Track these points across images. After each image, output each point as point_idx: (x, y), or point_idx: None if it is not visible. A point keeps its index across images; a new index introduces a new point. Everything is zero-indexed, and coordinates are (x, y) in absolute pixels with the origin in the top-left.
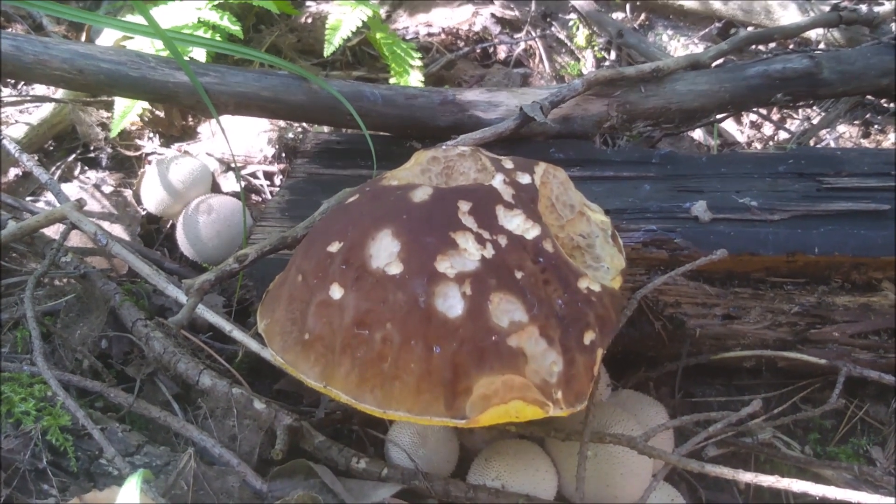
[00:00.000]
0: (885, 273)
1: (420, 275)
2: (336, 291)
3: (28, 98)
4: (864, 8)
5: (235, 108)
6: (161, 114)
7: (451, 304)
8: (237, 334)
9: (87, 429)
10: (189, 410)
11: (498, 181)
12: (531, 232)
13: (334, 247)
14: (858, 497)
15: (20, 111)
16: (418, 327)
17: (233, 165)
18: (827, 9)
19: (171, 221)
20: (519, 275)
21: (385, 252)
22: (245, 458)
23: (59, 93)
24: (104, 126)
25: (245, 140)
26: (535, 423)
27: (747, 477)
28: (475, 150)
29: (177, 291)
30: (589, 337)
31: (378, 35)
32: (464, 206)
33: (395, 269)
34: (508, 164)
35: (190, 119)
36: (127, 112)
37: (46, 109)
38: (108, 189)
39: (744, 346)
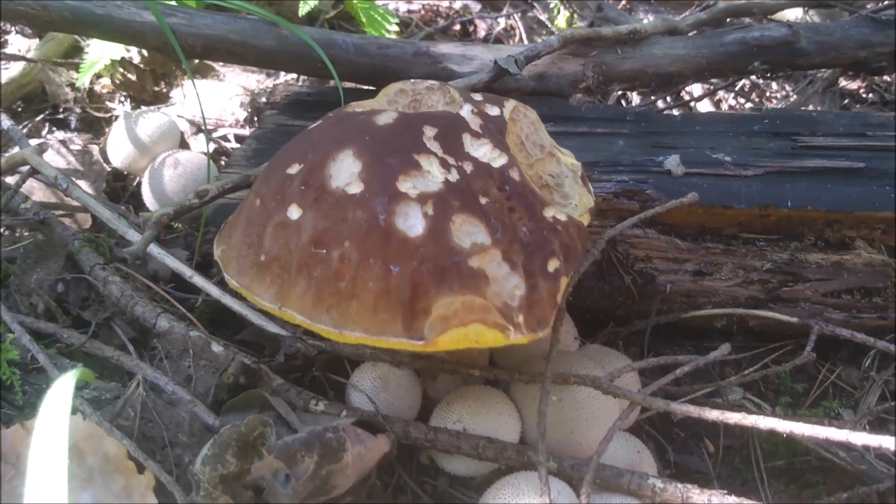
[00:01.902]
0: (858, 231)
1: (381, 194)
2: (294, 212)
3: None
4: None
5: (203, 52)
6: (133, 77)
7: (412, 223)
8: (198, 280)
9: (36, 363)
10: (145, 354)
11: (466, 111)
12: (498, 161)
13: (294, 169)
14: (826, 432)
15: None
16: (377, 245)
17: (203, 127)
18: None
19: (137, 179)
20: (483, 200)
21: (346, 172)
22: (200, 399)
23: (31, 53)
24: (74, 87)
25: (217, 103)
26: (499, 359)
27: (713, 415)
28: (444, 85)
29: (138, 237)
30: (553, 264)
31: (356, 1)
32: (429, 131)
33: (356, 188)
34: (478, 97)
35: (162, 85)
36: (94, 64)
37: (16, 69)
38: (75, 147)
39: (715, 304)
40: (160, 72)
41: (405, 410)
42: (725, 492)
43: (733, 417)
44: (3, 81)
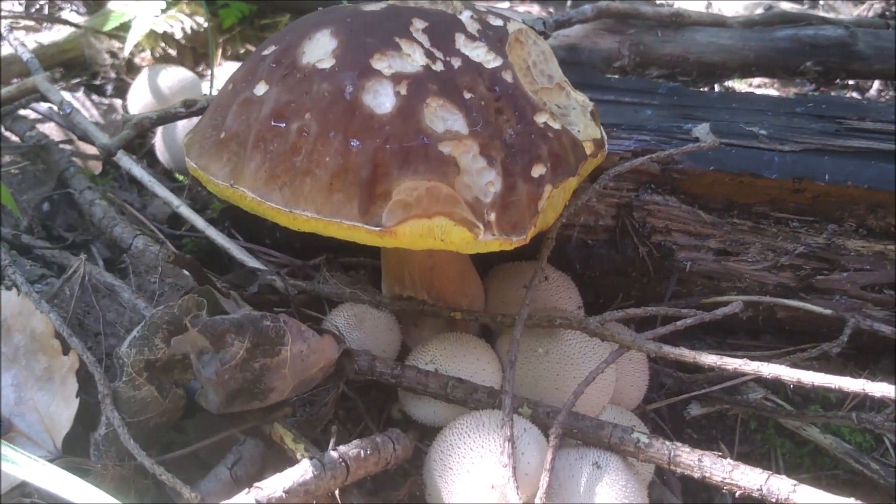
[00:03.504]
0: None
1: (352, 68)
2: (260, 88)
3: (44, 16)
4: None
5: None
6: (174, 52)
7: (381, 101)
8: (184, 210)
9: None
10: (115, 271)
11: (465, 16)
12: (492, 63)
13: (268, 50)
14: (839, 381)
15: (34, 30)
16: (340, 119)
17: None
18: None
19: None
20: (468, 95)
21: (320, 50)
22: None
23: (78, 20)
24: (114, 55)
25: None
26: (477, 304)
27: (710, 359)
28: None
29: (130, 163)
30: (538, 170)
31: None
32: (418, 23)
33: (327, 63)
34: (482, 8)
35: (203, 66)
36: (139, 32)
37: (61, 34)
38: (101, 103)
39: (740, 290)
40: (201, 51)
41: (379, 353)
42: (719, 453)
43: (732, 363)
44: (46, 43)
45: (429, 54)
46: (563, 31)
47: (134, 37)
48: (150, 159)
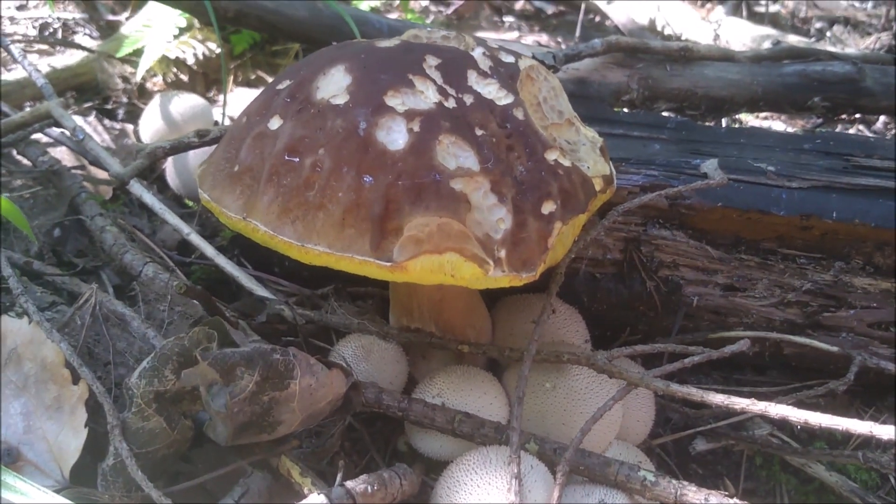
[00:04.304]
0: None
1: (365, 105)
2: (275, 123)
3: (58, 41)
4: None
5: (235, 17)
6: (185, 77)
7: (394, 137)
8: (194, 238)
9: (10, 290)
10: (125, 299)
11: (478, 52)
12: (503, 100)
13: (283, 84)
14: (846, 423)
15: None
16: (353, 155)
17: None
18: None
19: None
20: (479, 132)
21: (334, 85)
22: None
23: (91, 44)
24: (126, 80)
25: None
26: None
27: (718, 399)
28: (461, 34)
29: (141, 190)
30: (548, 207)
31: None
32: (432, 60)
33: (341, 99)
34: (494, 45)
35: (214, 91)
36: (152, 57)
37: (74, 58)
38: (113, 128)
39: (747, 325)
40: (212, 77)
41: (385, 385)
42: (725, 493)
43: (740, 403)
44: (59, 67)
45: (441, 91)
46: (573, 64)
47: (146, 62)
48: (160, 185)
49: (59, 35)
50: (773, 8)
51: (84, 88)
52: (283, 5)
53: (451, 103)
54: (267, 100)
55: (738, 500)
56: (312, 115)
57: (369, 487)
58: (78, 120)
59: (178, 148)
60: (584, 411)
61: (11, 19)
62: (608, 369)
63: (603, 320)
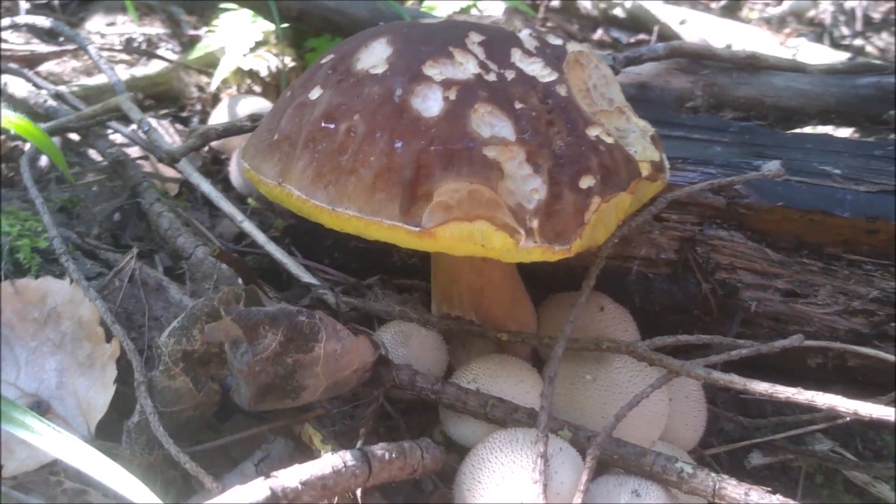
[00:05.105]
0: None
1: (403, 73)
2: (315, 93)
3: (140, 51)
4: None
5: (298, 16)
6: (258, 88)
7: (429, 105)
8: (247, 225)
9: (56, 254)
10: (173, 277)
11: (524, 34)
12: (546, 77)
13: (327, 58)
14: None
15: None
16: (387, 120)
17: None
18: None
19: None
20: (519, 105)
21: (374, 56)
22: None
23: (171, 56)
24: (201, 89)
25: None
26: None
27: (762, 387)
28: (510, 19)
29: (199, 179)
30: (587, 181)
31: None
32: (475, 36)
33: (380, 69)
34: (543, 29)
35: None
36: (227, 69)
37: (154, 68)
38: (182, 130)
39: (808, 334)
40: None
41: (423, 370)
42: (768, 489)
43: (785, 391)
44: (139, 76)
45: (482, 65)
46: (634, 68)
47: (221, 73)
48: (224, 185)
49: (144, 48)
50: (858, 42)
51: (162, 97)
52: (344, 5)
53: (491, 77)
54: (311, 73)
55: (780, 497)
56: (351, 84)
57: (388, 454)
58: (151, 122)
59: (231, 130)
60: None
61: (101, 34)
62: (648, 357)
63: (655, 323)
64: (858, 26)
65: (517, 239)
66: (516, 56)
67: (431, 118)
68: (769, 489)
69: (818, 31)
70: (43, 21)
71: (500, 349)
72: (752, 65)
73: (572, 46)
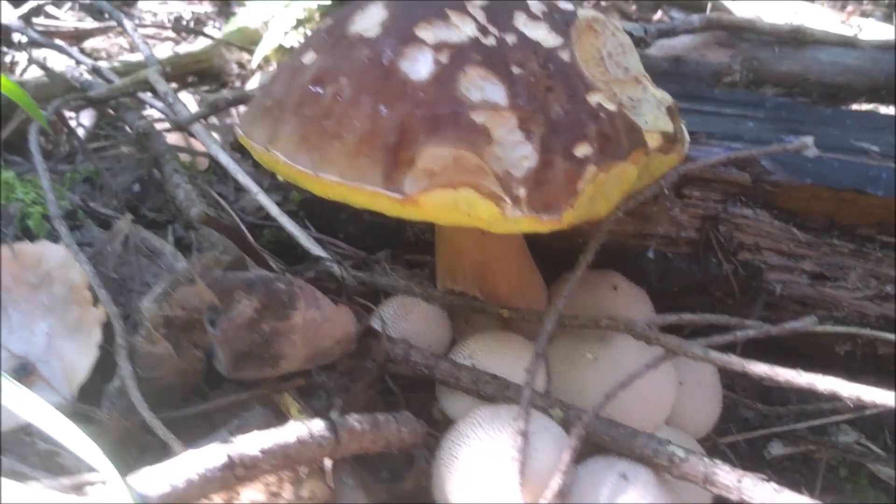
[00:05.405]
0: None
1: (395, 36)
2: (308, 57)
3: (185, 28)
4: None
5: None
6: None
7: (418, 68)
8: (262, 197)
9: (52, 218)
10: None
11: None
12: (550, 42)
13: (325, 24)
14: None
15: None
16: (374, 83)
17: None
18: None
19: None
20: (517, 70)
21: (369, 20)
22: None
23: (215, 34)
24: (241, 65)
25: None
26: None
27: (761, 369)
28: None
29: (217, 150)
30: (582, 150)
31: None
32: (479, 0)
33: (373, 32)
34: None
35: None
36: (268, 46)
37: (199, 45)
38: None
39: (837, 320)
40: None
41: (425, 347)
42: (763, 476)
43: (784, 374)
44: (182, 53)
45: (482, 29)
46: (669, 41)
47: (262, 50)
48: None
49: (192, 26)
50: None
51: (204, 74)
52: None
53: (490, 41)
54: (309, 39)
55: (776, 486)
56: (343, 48)
57: (358, 425)
58: (185, 97)
59: (240, 100)
60: (631, 385)
61: (153, 13)
62: (645, 335)
63: (674, 305)
64: None
65: (503, 207)
66: (520, 20)
67: (419, 81)
68: (764, 476)
69: (888, 12)
70: None
71: (506, 327)
72: (797, 38)
73: (584, 12)
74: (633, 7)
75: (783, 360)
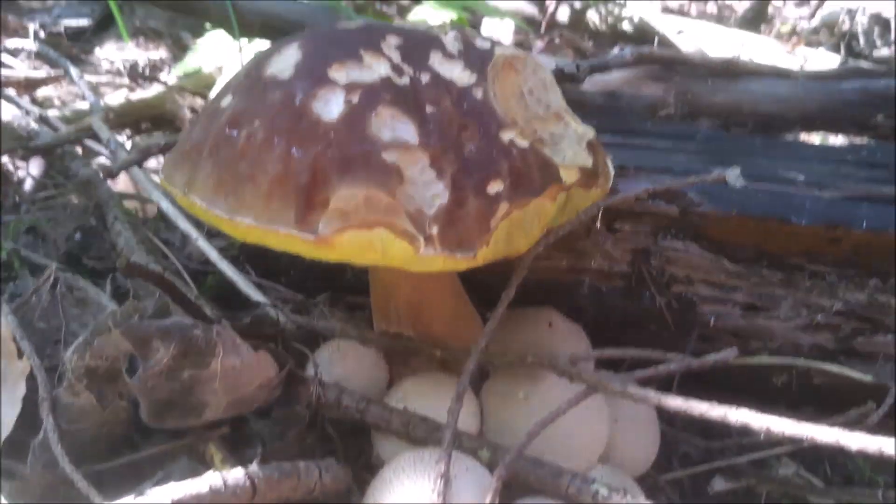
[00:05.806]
0: None
1: (307, 77)
2: (226, 100)
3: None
4: None
5: (261, 30)
6: None
7: (330, 108)
8: (202, 243)
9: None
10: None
11: (449, 36)
12: (465, 81)
13: (245, 66)
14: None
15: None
16: (286, 125)
17: None
18: None
19: None
20: (430, 109)
21: (283, 62)
22: None
23: (170, 80)
24: (194, 111)
25: None
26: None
27: (701, 408)
28: (445, 24)
29: (160, 197)
30: (495, 187)
31: None
32: (392, 39)
33: (287, 74)
34: (473, 32)
35: None
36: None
37: (153, 91)
38: None
39: (771, 350)
40: None
41: (361, 390)
42: None
43: (699, 408)
44: (134, 100)
45: (396, 68)
46: (602, 76)
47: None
48: None
49: (147, 73)
50: (884, 52)
51: (158, 120)
52: (307, 18)
53: (404, 80)
54: (229, 81)
55: None
56: (258, 90)
57: (276, 474)
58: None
59: (171, 145)
60: (561, 424)
61: (110, 60)
62: (568, 371)
63: (610, 339)
64: (893, 37)
65: (416, 246)
66: (435, 59)
67: (330, 122)
68: None
69: (836, 42)
70: (30, 45)
71: (443, 368)
72: (729, 70)
73: (503, 50)
74: (591, 43)
75: (722, 394)
